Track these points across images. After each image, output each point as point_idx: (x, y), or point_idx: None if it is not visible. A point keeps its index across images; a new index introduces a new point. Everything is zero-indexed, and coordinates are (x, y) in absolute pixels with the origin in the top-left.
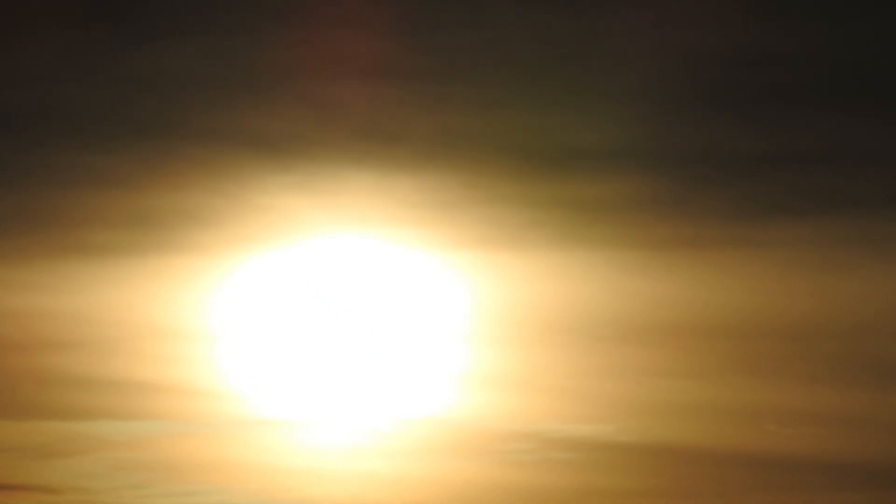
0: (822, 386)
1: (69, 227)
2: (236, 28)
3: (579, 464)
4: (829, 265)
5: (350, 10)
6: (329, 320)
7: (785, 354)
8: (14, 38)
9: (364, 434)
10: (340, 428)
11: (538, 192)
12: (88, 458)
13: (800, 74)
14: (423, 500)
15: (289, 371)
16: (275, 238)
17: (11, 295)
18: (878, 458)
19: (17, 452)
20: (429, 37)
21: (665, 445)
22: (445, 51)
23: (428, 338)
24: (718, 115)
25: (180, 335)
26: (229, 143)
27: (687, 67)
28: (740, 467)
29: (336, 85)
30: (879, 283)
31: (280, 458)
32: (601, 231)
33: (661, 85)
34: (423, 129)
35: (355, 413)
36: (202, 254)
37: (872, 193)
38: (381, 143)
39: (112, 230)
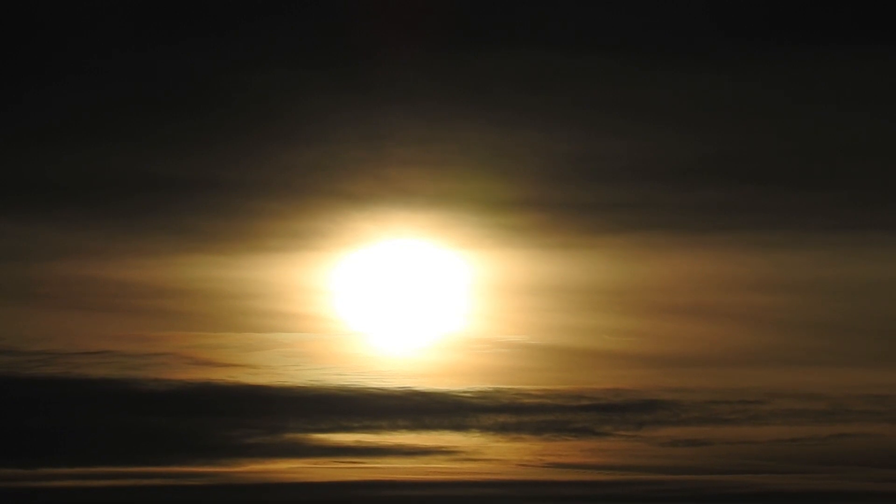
0: (628, 317)
1: (256, 236)
2: (338, 140)
3: (512, 355)
4: (636, 257)
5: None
6: (393, 283)
7: (608, 301)
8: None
9: (414, 341)
10: (400, 338)
11: (489, 219)
12: (269, 352)
13: (625, 167)
14: (445, 373)
15: (371, 306)
16: (359, 243)
17: (225, 270)
18: (652, 351)
19: (234, 349)
20: (425, 148)
21: (555, 347)
22: (436, 155)
23: (447, 294)
24: (585, 185)
25: (315, 292)
26: (337, 197)
27: (561, 164)
28: (591, 357)
29: (386, 169)
30: (670, 269)
31: (367, 352)
32: (523, 239)
33: (548, 170)
34: (431, 190)
35: (408, 329)
36: (324, 250)
37: (659, 222)
38: (411, 197)
39: (278, 238)
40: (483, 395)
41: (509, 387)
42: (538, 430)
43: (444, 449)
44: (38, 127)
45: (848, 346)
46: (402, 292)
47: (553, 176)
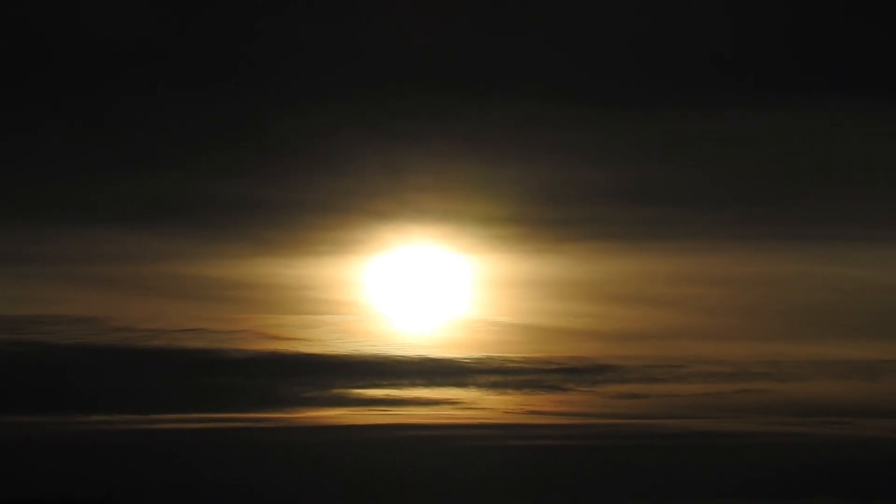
0: (586, 303)
1: (308, 243)
2: (367, 170)
3: (501, 332)
4: (593, 259)
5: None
6: (411, 278)
7: (572, 292)
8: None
9: (427, 321)
10: (417, 319)
11: (484, 230)
12: (320, 329)
13: (586, 193)
14: (450, 345)
15: (395, 295)
16: (385, 249)
17: (285, 269)
18: (604, 328)
19: (294, 327)
20: (435, 177)
21: (532, 325)
22: (443, 182)
23: (452, 287)
24: (555, 206)
25: (353, 285)
26: (367, 214)
27: (537, 190)
28: (559, 332)
29: (404, 193)
30: (618, 268)
31: (392, 330)
32: (509, 245)
33: (528, 194)
34: (440, 209)
35: (422, 313)
36: (358, 254)
37: (610, 233)
38: (424, 214)
39: (324, 245)
40: (479, 361)
41: (498, 355)
42: (519, 387)
43: (449, 401)
44: (140, 158)
45: (750, 325)
46: (418, 285)
47: (531, 199)
